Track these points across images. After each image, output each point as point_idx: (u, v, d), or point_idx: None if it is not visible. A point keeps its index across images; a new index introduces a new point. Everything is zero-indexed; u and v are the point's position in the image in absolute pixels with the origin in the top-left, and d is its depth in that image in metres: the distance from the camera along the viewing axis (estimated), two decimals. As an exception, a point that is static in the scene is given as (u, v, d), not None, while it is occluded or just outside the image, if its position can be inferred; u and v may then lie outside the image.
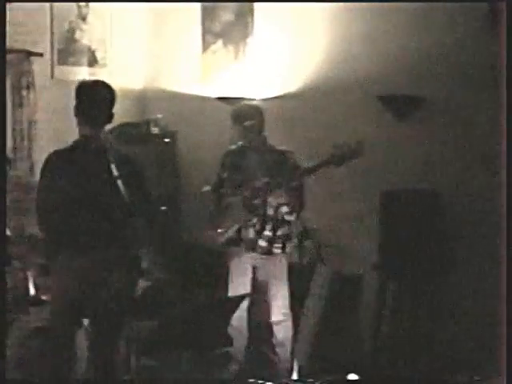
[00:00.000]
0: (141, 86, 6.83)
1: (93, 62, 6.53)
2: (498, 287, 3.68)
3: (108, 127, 4.09)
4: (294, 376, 4.40)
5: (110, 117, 3.98)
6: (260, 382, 4.12)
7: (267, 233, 4.68)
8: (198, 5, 6.28)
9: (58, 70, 6.30)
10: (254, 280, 4.77)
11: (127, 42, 6.70)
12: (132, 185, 3.88)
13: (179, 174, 6.40)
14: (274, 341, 4.73)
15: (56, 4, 6.23)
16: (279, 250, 4.72)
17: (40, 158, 4.17)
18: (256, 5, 5.84)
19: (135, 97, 6.73)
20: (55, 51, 6.30)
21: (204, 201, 4.89)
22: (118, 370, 4.10)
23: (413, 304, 4.67)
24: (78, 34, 6.45)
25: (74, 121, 3.99)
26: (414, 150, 4.90)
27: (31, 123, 5.92)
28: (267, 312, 4.73)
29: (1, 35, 4.07)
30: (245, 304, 4.66)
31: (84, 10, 6.46)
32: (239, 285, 4.71)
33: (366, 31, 5.11)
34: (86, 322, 4.17)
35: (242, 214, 4.63)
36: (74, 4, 6.40)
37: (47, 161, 3.96)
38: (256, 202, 4.58)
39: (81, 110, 3.94)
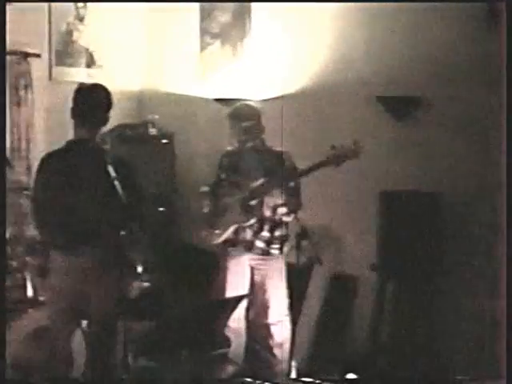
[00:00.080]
0: (139, 87, 6.83)
1: (90, 63, 6.51)
2: (498, 288, 3.69)
3: (105, 129, 4.12)
4: (292, 376, 4.39)
5: (106, 120, 4.01)
6: (258, 382, 4.12)
7: (265, 233, 4.68)
8: (196, 5, 6.28)
9: (56, 71, 6.29)
10: (252, 281, 4.77)
11: (125, 43, 6.68)
12: (127, 186, 3.89)
13: (177, 175, 6.40)
14: (271, 341, 4.74)
15: (54, 5, 6.22)
16: (277, 251, 4.72)
17: (38, 159, 4.18)
18: (254, 5, 5.84)
19: (133, 98, 6.72)
20: (53, 52, 6.28)
21: (202, 201, 4.89)
22: (115, 370, 4.10)
23: (411, 304, 4.68)
24: (75, 35, 6.44)
25: (71, 122, 4.03)
26: (412, 150, 4.90)
27: (29, 124, 5.92)
28: (265, 313, 4.73)
29: (1, 35, 4.09)
30: (243, 305, 4.66)
31: (82, 11, 6.45)
32: (237, 286, 4.71)
33: (364, 32, 5.11)
34: (83, 322, 4.18)
35: (240, 215, 4.63)
36: (71, 5, 6.38)
37: (42, 162, 4.01)
38: (253, 202, 4.58)
39: (77, 113, 3.98)
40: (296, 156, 4.70)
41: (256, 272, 4.75)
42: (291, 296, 4.73)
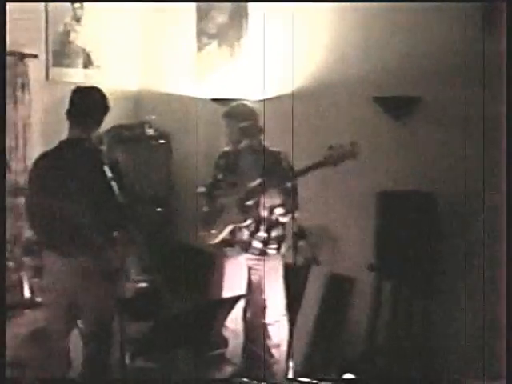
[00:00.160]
0: (136, 88, 6.83)
1: (87, 63, 6.51)
2: (497, 288, 3.69)
3: (100, 130, 4.15)
4: (290, 376, 4.39)
5: (99, 122, 4.05)
6: (255, 382, 4.12)
7: (261, 234, 4.68)
8: (193, 6, 6.28)
9: (53, 71, 6.29)
10: (249, 281, 4.77)
11: (122, 44, 6.69)
12: (119, 185, 3.91)
13: (174, 176, 6.39)
14: (269, 342, 4.74)
15: (50, 5, 6.21)
16: (274, 251, 4.72)
17: (35, 159, 4.21)
18: (250, 6, 5.84)
19: (130, 98, 6.72)
20: (50, 53, 6.28)
21: (198, 202, 4.89)
22: (112, 370, 4.11)
23: (409, 305, 4.67)
24: (72, 36, 6.44)
25: (68, 123, 4.06)
26: (410, 150, 4.90)
27: (26, 125, 5.91)
28: (262, 313, 4.73)
29: (1, 35, 4.11)
30: (240, 305, 4.66)
31: (79, 12, 6.45)
32: (234, 286, 4.71)
33: (361, 32, 5.10)
34: (79, 322, 4.18)
35: (237, 215, 4.63)
36: (68, 5, 6.38)
37: (34, 162, 4.05)
38: (250, 203, 4.58)
39: (70, 114, 4.04)
40: (293, 156, 4.70)
41: (253, 272, 4.76)
42: (288, 296, 4.73)
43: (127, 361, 4.44)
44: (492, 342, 4.05)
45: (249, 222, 4.63)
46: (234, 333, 4.81)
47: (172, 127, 6.39)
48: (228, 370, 4.85)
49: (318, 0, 5.29)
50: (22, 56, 5.89)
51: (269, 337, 4.73)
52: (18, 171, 5.78)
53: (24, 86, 5.92)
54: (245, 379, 4.28)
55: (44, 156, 4.09)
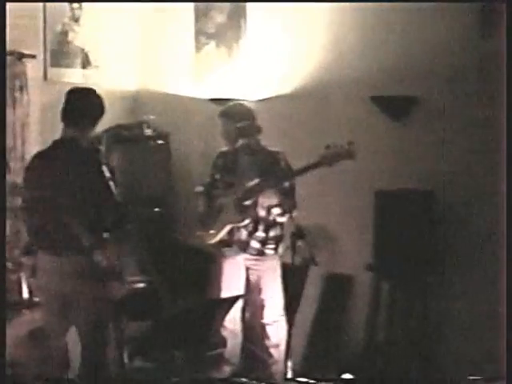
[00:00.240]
0: (134, 88, 6.82)
1: (86, 63, 6.51)
2: (497, 287, 3.68)
3: (94, 131, 4.16)
4: (288, 376, 4.39)
5: (93, 123, 4.06)
6: (254, 382, 4.12)
7: (259, 234, 4.68)
8: (191, 6, 6.28)
9: (51, 71, 6.28)
10: (248, 281, 4.77)
11: (120, 44, 6.68)
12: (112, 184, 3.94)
13: (172, 176, 6.39)
14: (267, 342, 4.74)
15: (49, 5, 6.21)
16: (272, 251, 4.72)
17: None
18: (249, 6, 5.84)
19: (128, 98, 6.71)
20: (48, 53, 6.28)
21: (197, 202, 4.89)
22: (111, 370, 4.11)
23: (407, 304, 4.67)
24: (70, 36, 6.43)
25: (66, 123, 4.08)
26: (408, 150, 4.90)
27: (24, 125, 5.92)
28: (261, 313, 4.73)
29: (1, 35, 4.11)
30: (238, 305, 4.66)
31: (77, 12, 6.44)
32: (232, 286, 4.71)
33: (359, 32, 5.10)
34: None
35: (235, 215, 4.63)
36: (66, 5, 6.38)
37: (29, 162, 4.12)
38: (248, 203, 4.58)
39: (64, 114, 4.06)
40: (291, 156, 4.71)
41: (251, 272, 4.76)
42: (287, 296, 4.73)
43: (125, 361, 4.45)
44: (492, 342, 4.05)
45: (247, 221, 4.64)
46: (232, 333, 4.81)
47: (170, 127, 6.38)
48: (226, 369, 4.85)
49: (315, 0, 5.29)
50: (20, 56, 5.89)
51: (267, 337, 4.74)
52: (16, 171, 5.78)
53: (22, 86, 5.92)
54: (243, 379, 4.28)
55: (37, 156, 4.13)
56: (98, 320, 3.97)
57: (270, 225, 4.68)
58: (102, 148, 4.12)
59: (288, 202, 4.55)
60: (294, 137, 5.36)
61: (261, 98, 5.65)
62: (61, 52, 6.37)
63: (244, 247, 4.70)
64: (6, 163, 5.46)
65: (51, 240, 3.92)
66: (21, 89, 5.92)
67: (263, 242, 4.70)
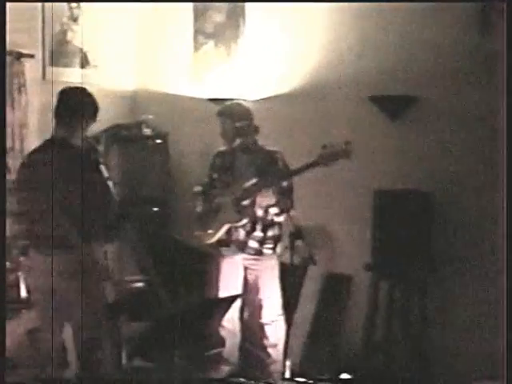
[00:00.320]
0: (133, 87, 6.82)
1: (84, 63, 6.50)
2: (496, 287, 3.68)
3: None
4: (287, 376, 4.39)
5: (86, 122, 4.07)
6: (252, 382, 4.12)
7: (258, 233, 4.68)
8: (190, 5, 6.27)
9: (50, 71, 6.27)
10: (246, 281, 4.77)
11: (119, 43, 6.68)
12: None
13: (171, 175, 6.39)
14: (266, 341, 4.74)
15: (47, 5, 6.20)
16: (270, 251, 4.72)
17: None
18: (247, 5, 5.84)
19: (127, 98, 6.71)
20: (47, 52, 6.27)
21: (195, 201, 4.89)
22: (109, 370, 4.10)
23: (405, 304, 4.67)
24: (69, 36, 6.43)
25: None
26: (407, 149, 4.90)
27: (22, 124, 5.91)
28: (259, 313, 4.73)
29: (1, 35, 4.12)
30: (237, 305, 4.66)
31: (76, 12, 6.44)
32: (231, 286, 4.71)
33: (357, 32, 5.11)
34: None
35: (232, 215, 4.63)
36: (65, 5, 6.37)
37: (22, 162, 4.15)
38: (246, 202, 4.58)
39: (57, 113, 4.09)
40: (289, 156, 4.70)
41: (249, 272, 4.76)
42: (285, 296, 4.72)
43: (124, 360, 4.45)
44: (492, 341, 4.05)
45: (245, 221, 4.63)
46: (230, 332, 4.81)
47: (169, 127, 6.38)
48: (225, 369, 4.85)
49: (314, 0, 5.29)
50: (19, 55, 5.89)
51: (265, 336, 4.73)
52: (15, 170, 5.77)
53: (21, 86, 5.92)
54: (242, 379, 4.28)
55: (28, 155, 4.18)
56: (91, 319, 3.96)
57: (268, 224, 4.68)
58: (101, 147, 4.09)
59: (285, 202, 4.54)
60: (293, 136, 5.36)
61: (259, 97, 5.65)
62: (59, 52, 6.37)
63: (242, 247, 4.70)
64: (6, 163, 5.45)
65: (42, 239, 3.92)
66: (19, 88, 5.91)
67: (261, 242, 4.69)
